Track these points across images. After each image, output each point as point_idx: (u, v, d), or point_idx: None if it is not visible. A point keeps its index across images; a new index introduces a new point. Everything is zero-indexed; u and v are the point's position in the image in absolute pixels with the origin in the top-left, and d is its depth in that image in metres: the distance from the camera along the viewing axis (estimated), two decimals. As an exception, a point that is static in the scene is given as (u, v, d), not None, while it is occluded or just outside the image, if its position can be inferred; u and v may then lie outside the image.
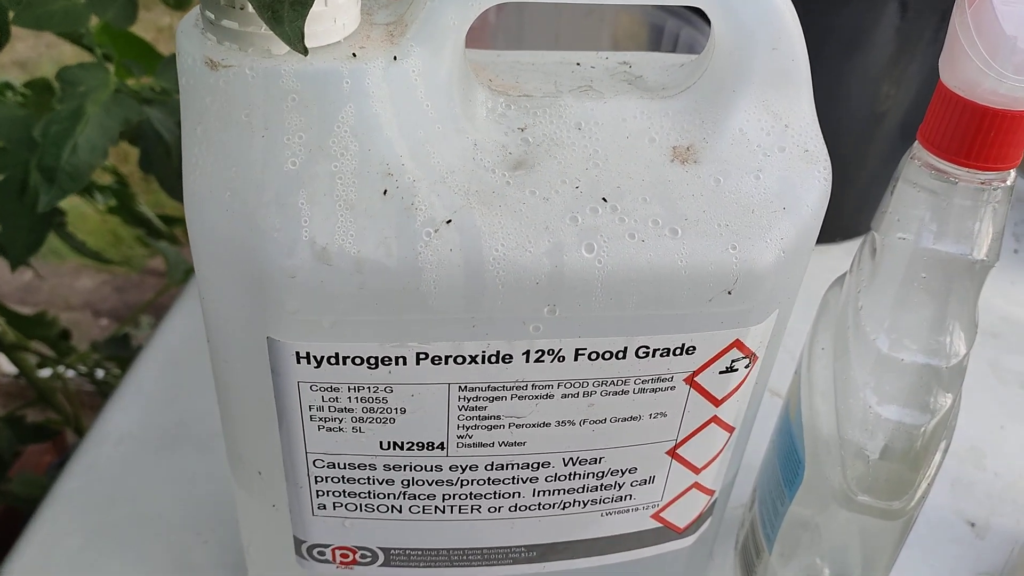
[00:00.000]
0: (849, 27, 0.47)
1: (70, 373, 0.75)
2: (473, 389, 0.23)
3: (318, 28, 0.20)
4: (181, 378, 0.44)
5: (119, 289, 1.25)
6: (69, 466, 0.40)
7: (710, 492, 0.27)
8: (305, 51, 0.19)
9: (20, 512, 0.75)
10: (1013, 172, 0.24)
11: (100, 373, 0.75)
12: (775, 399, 0.38)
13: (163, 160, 0.52)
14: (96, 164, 0.41)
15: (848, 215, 0.53)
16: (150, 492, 0.38)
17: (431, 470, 0.24)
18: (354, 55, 0.21)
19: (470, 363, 0.22)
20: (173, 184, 0.53)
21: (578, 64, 0.26)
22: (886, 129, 0.51)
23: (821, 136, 0.23)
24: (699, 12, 0.46)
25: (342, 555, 0.26)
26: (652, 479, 0.26)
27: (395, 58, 0.21)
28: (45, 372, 0.73)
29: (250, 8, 0.20)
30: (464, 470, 0.25)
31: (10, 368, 1.05)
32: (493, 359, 0.22)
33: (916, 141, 0.25)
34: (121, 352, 0.73)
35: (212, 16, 0.20)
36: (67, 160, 0.40)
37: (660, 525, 0.27)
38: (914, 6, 0.46)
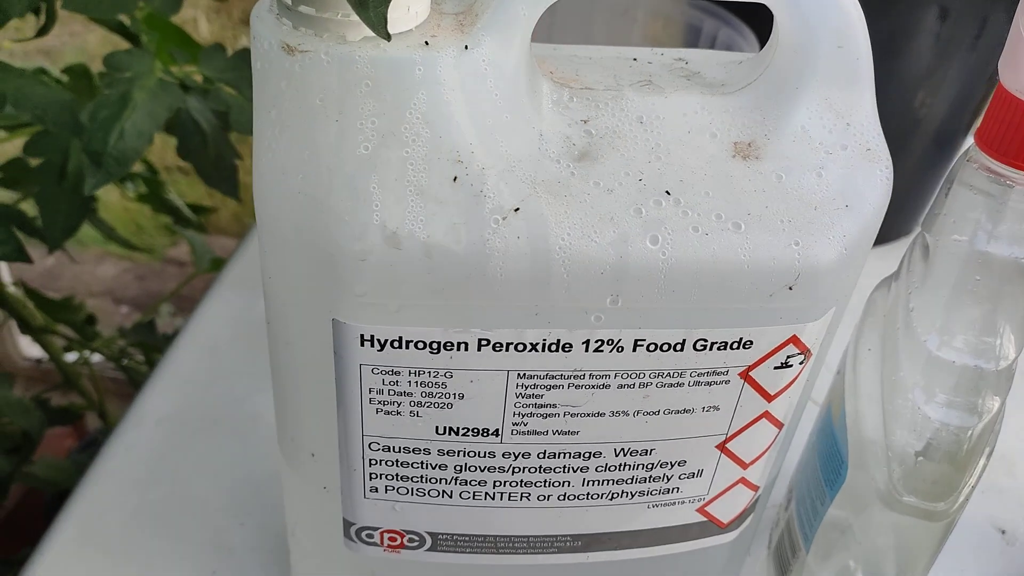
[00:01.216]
0: (888, 32, 0.47)
1: (95, 358, 0.75)
2: (531, 377, 0.23)
3: (393, 15, 0.21)
4: (218, 364, 0.44)
5: (140, 277, 1.26)
6: (108, 446, 0.40)
7: (755, 488, 0.28)
8: (388, 36, 0.19)
9: (42, 494, 0.76)
10: (1071, 177, 0.24)
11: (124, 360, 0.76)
12: (811, 405, 0.38)
13: (200, 149, 0.52)
14: (142, 150, 0.42)
15: (883, 220, 0.53)
16: (188, 474, 0.39)
17: (484, 456, 0.25)
18: (426, 43, 0.21)
19: (530, 351, 0.23)
20: (209, 173, 0.54)
21: (635, 59, 0.26)
22: (922, 136, 0.51)
23: (882, 135, 0.23)
24: (738, 13, 0.47)
25: (390, 538, 0.27)
26: (700, 472, 0.26)
27: (466, 47, 0.21)
28: (71, 356, 0.74)
29: (328, -6, 0.20)
30: (517, 457, 0.25)
31: (31, 352, 1.06)
32: (553, 347, 0.23)
33: (972, 143, 0.25)
34: (147, 338, 0.74)
35: (289, 1, 0.21)
36: (114, 145, 0.41)
37: (705, 519, 0.27)
38: (954, 12, 0.46)
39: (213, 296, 0.50)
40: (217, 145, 0.51)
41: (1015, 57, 0.23)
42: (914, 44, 0.47)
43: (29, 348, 1.05)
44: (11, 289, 0.66)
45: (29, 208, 0.54)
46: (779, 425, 0.26)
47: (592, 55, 0.26)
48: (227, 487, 0.38)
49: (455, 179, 0.21)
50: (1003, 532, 0.40)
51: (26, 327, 0.64)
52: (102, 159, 0.40)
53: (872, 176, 0.23)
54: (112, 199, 1.07)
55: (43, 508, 0.75)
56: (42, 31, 0.47)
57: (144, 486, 0.38)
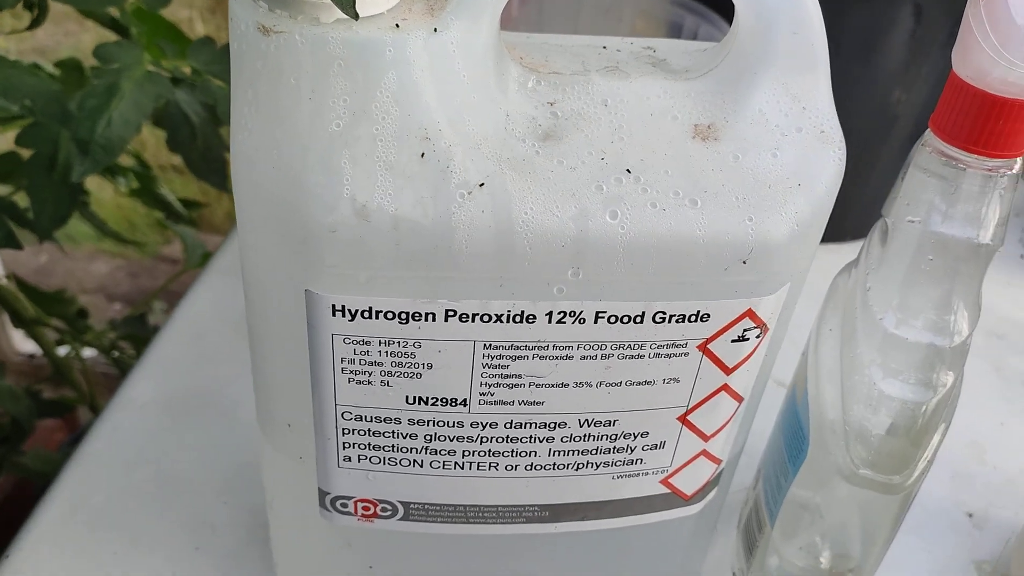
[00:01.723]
0: (863, 30, 0.48)
1: (87, 352, 0.76)
2: (497, 347, 0.24)
3: (364, -1, 0.21)
4: (203, 350, 0.45)
5: (132, 274, 1.26)
6: (94, 429, 0.41)
7: (717, 461, 0.28)
8: (356, 16, 0.20)
9: (32, 487, 0.76)
10: (1020, 160, 0.25)
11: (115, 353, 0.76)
12: (779, 389, 0.39)
13: (189, 141, 0.53)
14: (129, 138, 0.42)
15: (857, 215, 0.54)
16: (172, 455, 0.40)
17: (453, 426, 0.26)
18: (397, 26, 0.22)
19: (495, 321, 0.23)
20: (198, 165, 0.54)
21: (604, 47, 0.27)
22: (897, 133, 0.52)
23: (837, 118, 0.24)
24: (717, 8, 0.48)
25: (364, 507, 0.28)
26: (663, 444, 0.27)
27: (435, 30, 0.22)
28: (62, 350, 0.74)
29: (302, -23, 0.21)
30: (484, 427, 0.26)
31: (24, 347, 1.06)
32: (517, 318, 0.23)
33: (928, 129, 0.26)
34: (138, 331, 0.74)
35: (265, -16, 0.22)
36: (101, 133, 0.42)
37: (668, 491, 0.28)
38: (929, 10, 0.47)
39: (201, 284, 0.50)
40: (206, 137, 0.52)
41: (965, 45, 0.24)
42: (890, 41, 0.49)
43: (22, 343, 1.06)
44: (3, 282, 0.67)
45: (22, 201, 0.55)
46: (739, 399, 0.27)
47: (563, 43, 0.27)
48: (210, 467, 0.39)
49: (423, 155, 0.22)
50: (971, 516, 0.41)
51: (18, 319, 0.65)
52: (89, 147, 0.41)
53: (825, 157, 0.24)
54: (105, 196, 1.08)
55: (33, 501, 0.76)
56: (35, 23, 0.48)
57: (130, 467, 0.39)
